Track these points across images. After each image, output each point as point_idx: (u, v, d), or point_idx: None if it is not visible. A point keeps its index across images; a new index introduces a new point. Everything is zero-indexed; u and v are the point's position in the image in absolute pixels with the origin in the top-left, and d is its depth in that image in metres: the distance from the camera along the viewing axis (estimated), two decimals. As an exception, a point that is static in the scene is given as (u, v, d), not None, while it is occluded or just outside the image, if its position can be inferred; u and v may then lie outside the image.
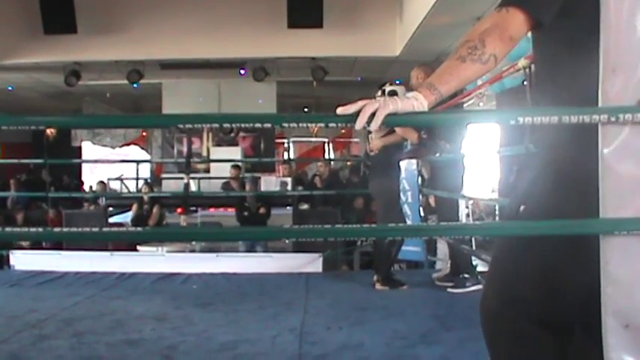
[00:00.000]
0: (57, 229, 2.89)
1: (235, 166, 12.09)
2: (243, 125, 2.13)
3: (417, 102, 1.86)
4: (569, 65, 1.98)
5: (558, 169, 1.98)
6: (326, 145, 20.46)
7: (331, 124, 1.92)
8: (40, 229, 2.33)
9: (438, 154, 5.99)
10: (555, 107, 1.89)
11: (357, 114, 1.83)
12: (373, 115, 1.82)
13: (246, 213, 9.70)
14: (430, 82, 1.92)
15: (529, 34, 2.05)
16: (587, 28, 1.88)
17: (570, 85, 1.97)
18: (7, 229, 2.91)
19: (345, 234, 2.81)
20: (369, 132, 6.07)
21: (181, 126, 2.09)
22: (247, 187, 10.02)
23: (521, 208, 2.11)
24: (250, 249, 8.95)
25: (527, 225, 1.99)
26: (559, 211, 1.92)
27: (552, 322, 2.02)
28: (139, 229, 2.22)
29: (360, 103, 1.84)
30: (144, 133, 19.29)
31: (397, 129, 5.89)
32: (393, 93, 5.65)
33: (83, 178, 18.85)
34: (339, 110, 1.85)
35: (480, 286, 5.42)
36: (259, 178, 12.54)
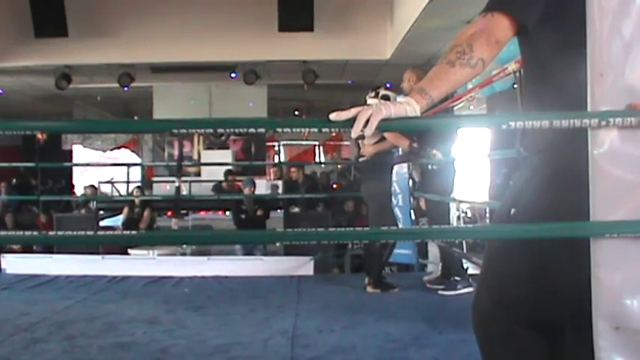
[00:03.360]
0: (51, 233, 2.88)
1: (230, 172, 12.12)
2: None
3: (409, 107, 1.87)
4: (557, 69, 2.00)
5: (549, 172, 2.01)
6: (317, 148, 20.47)
7: (324, 129, 1.94)
8: (35, 233, 2.33)
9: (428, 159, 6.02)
10: (545, 111, 1.92)
11: (351, 120, 1.84)
12: (367, 121, 1.83)
13: (243, 216, 9.68)
14: (421, 87, 1.93)
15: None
16: (573, 31, 1.90)
17: (559, 89, 2.00)
18: (1, 232, 2.91)
19: (337, 237, 2.82)
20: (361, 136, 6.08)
21: (174, 130, 2.10)
22: (246, 190, 9.97)
23: (512, 211, 2.13)
24: (249, 252, 8.92)
25: (518, 228, 2.00)
26: (550, 214, 1.93)
27: (544, 323, 2.04)
28: (133, 232, 2.21)
29: (353, 111, 1.84)
30: (134, 137, 19.24)
31: (388, 136, 5.90)
32: (385, 97, 5.69)
33: (74, 181, 18.79)
34: (333, 116, 1.86)
35: (470, 289, 5.44)
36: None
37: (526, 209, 2.06)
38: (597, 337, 1.83)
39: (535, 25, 1.98)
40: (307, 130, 2.06)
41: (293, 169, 12.66)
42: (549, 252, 1.96)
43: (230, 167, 12.86)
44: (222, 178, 12.51)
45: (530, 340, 2.06)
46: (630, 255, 1.82)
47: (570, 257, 1.93)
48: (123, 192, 13.84)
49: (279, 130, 1.97)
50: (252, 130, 1.96)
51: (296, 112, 19.11)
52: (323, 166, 18.30)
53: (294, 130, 2.00)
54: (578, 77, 1.87)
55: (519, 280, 2.04)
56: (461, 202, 7.27)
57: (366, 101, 5.87)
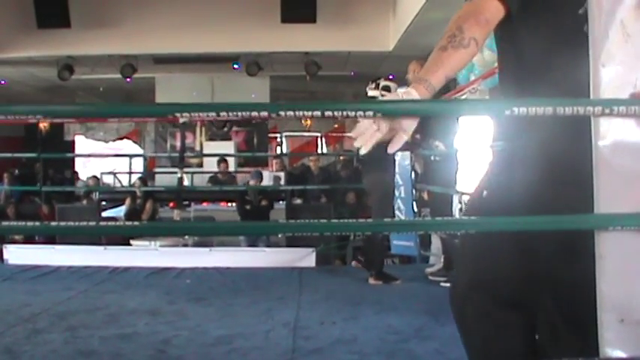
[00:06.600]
0: (53, 223, 2.88)
1: (223, 160, 12.14)
2: (237, 117, 2.12)
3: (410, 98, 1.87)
4: (558, 61, 1.99)
5: (550, 164, 1.99)
6: (319, 139, 20.43)
7: (327, 113, 1.91)
8: (37, 223, 2.32)
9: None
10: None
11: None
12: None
13: (248, 206, 9.67)
14: (419, 77, 1.93)
15: (515, 31, 2.06)
16: (574, 21, 1.89)
17: (560, 80, 1.98)
18: (4, 223, 2.89)
19: (340, 229, 2.80)
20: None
21: (176, 114, 2.08)
22: (251, 182, 9.97)
23: (484, 193, 2.17)
24: (253, 243, 8.92)
25: (521, 220, 1.98)
26: (551, 206, 1.93)
27: (519, 303, 2.09)
28: (135, 223, 2.19)
29: (383, 129, 1.82)
30: (137, 128, 19.23)
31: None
32: (386, 88, 5.67)
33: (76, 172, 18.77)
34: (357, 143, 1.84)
35: (472, 281, 5.44)
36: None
37: (528, 201, 2.04)
38: (602, 329, 1.82)
39: (526, 16, 1.98)
40: (309, 121, 2.04)
41: (312, 158, 12.59)
42: (525, 234, 1.97)
43: (224, 157, 12.84)
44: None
45: (505, 320, 2.10)
46: (635, 248, 1.80)
47: (546, 240, 1.94)
48: (125, 183, 13.82)
49: (283, 114, 1.92)
50: (254, 113, 1.95)
51: (298, 104, 19.08)
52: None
53: (296, 120, 1.98)
54: (581, 69, 1.85)
55: (500, 262, 2.08)
56: (463, 193, 7.25)
57: (366, 93, 5.86)
